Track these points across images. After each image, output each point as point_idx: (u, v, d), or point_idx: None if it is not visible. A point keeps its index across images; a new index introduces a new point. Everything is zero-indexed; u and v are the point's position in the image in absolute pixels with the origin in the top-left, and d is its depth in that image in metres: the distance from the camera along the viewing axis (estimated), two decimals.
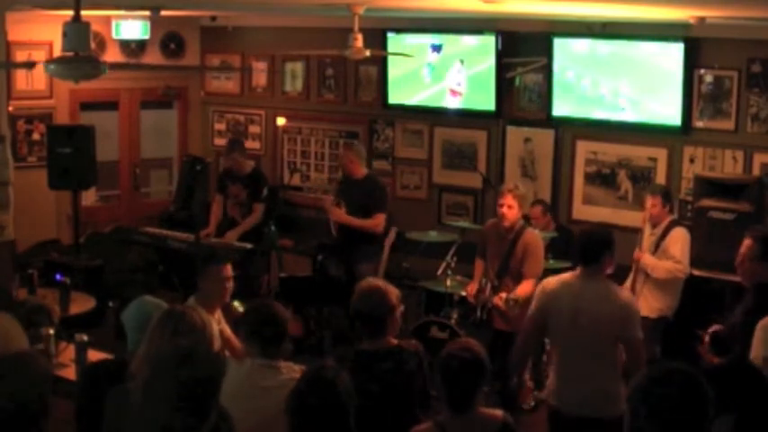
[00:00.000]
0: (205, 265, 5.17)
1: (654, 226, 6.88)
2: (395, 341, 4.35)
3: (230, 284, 5.18)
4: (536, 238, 6.51)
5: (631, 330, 4.72)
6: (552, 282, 4.95)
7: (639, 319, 4.81)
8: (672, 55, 7.50)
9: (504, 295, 6.22)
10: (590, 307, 4.75)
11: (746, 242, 4.84)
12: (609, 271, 4.87)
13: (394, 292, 4.30)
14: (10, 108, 8.12)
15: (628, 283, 7.04)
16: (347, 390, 3.17)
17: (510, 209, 6.35)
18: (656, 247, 6.79)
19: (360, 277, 7.54)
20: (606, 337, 4.74)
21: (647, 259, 6.77)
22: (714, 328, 4.93)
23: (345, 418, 3.15)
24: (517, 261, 6.41)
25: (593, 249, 4.81)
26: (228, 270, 5.18)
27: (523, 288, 6.30)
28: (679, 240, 6.74)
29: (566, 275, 4.97)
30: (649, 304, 6.84)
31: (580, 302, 4.77)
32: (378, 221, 7.63)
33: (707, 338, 4.88)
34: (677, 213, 7.48)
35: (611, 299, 4.76)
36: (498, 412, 3.68)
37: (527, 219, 6.92)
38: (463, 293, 6.88)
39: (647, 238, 6.92)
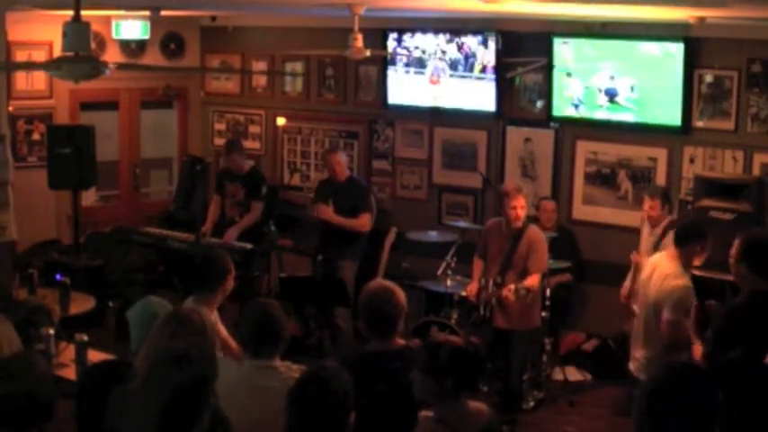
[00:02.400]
0: (225, 266, 5.10)
1: (653, 223, 6.90)
2: (402, 341, 4.37)
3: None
4: (540, 234, 6.59)
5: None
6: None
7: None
8: (672, 55, 7.50)
9: (512, 286, 6.23)
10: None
11: (736, 242, 4.90)
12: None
13: (402, 294, 4.32)
14: (10, 108, 8.13)
15: (627, 283, 7.03)
16: (344, 389, 3.17)
17: (523, 209, 6.45)
18: (656, 249, 6.79)
19: (342, 274, 7.67)
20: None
21: (646, 262, 6.78)
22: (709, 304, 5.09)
23: (342, 417, 3.15)
24: (521, 257, 6.44)
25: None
26: None
27: (531, 281, 6.34)
28: None
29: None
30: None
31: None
32: (364, 221, 7.84)
33: (692, 314, 5.00)
34: (677, 213, 7.49)
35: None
36: (483, 405, 3.70)
37: (529, 218, 6.93)
38: (463, 293, 6.88)
39: (646, 238, 6.93)
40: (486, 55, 8.43)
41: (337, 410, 3.15)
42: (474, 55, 8.52)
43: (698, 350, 4.87)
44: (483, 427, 3.58)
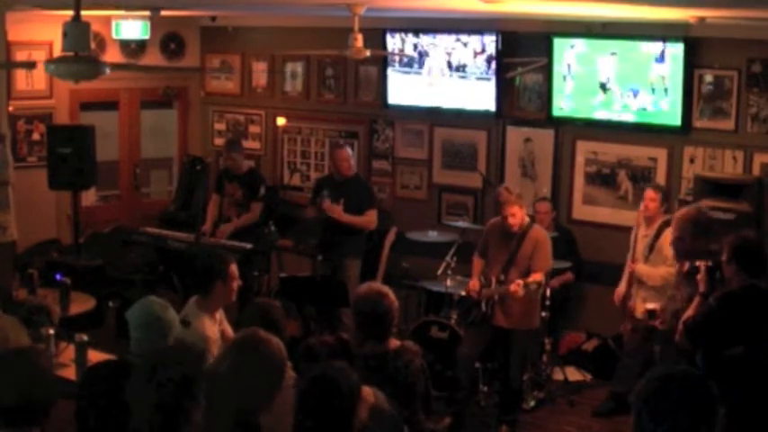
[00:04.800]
0: (225, 266, 5.11)
1: (648, 223, 6.87)
2: (397, 341, 4.39)
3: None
4: (544, 234, 6.61)
5: None
6: None
7: None
8: (672, 55, 7.50)
9: (521, 282, 6.24)
10: None
11: (724, 245, 4.98)
12: None
13: (393, 295, 4.37)
14: (10, 108, 8.12)
15: (621, 288, 7.01)
16: (351, 389, 3.18)
17: (515, 217, 6.47)
18: (651, 249, 6.78)
19: (346, 273, 7.67)
20: None
21: (642, 269, 6.76)
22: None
23: (350, 416, 3.16)
24: (525, 257, 6.46)
25: None
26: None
27: (536, 277, 6.34)
28: None
29: None
30: (651, 306, 6.81)
31: None
32: (372, 218, 7.91)
33: (703, 266, 5.01)
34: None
35: None
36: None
37: (532, 218, 6.94)
38: (463, 293, 6.88)
39: (641, 240, 6.90)
40: (486, 55, 8.43)
41: (345, 409, 3.16)
42: (474, 55, 8.52)
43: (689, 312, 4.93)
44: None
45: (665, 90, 7.58)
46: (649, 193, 6.92)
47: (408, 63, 8.94)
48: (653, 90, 7.66)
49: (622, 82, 7.79)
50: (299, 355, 4.09)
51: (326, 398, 3.14)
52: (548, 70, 8.17)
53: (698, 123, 7.60)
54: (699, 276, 5.11)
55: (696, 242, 5.30)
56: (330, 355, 3.92)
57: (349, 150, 8.27)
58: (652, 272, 6.71)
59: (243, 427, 3.15)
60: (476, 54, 8.51)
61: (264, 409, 3.29)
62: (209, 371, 3.32)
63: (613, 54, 7.85)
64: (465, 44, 8.56)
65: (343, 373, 3.23)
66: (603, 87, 7.95)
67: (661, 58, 7.57)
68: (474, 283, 6.65)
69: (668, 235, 6.76)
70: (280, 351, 3.44)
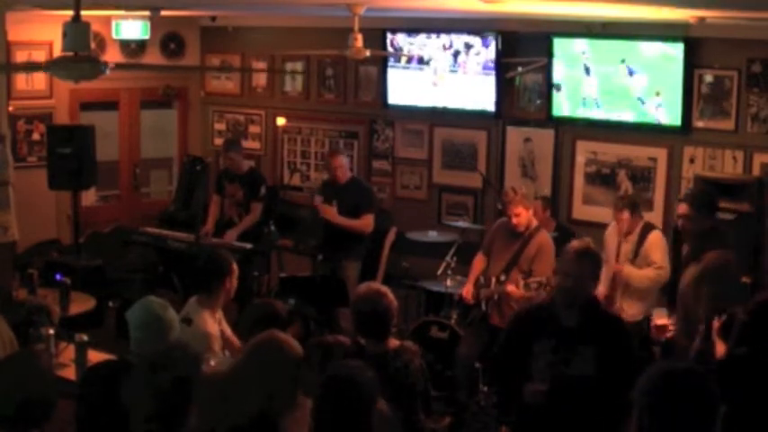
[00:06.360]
0: (228, 264, 5.17)
1: (626, 234, 6.70)
2: (397, 341, 4.40)
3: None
4: (548, 240, 6.63)
5: None
6: None
7: None
8: (672, 55, 7.50)
9: (521, 281, 6.24)
10: None
11: None
12: None
13: (392, 295, 4.37)
14: (10, 108, 8.12)
15: (601, 288, 6.90)
16: (369, 386, 3.19)
17: (519, 216, 6.49)
18: (635, 254, 6.67)
19: (345, 274, 7.66)
20: None
21: (629, 271, 6.61)
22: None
23: (366, 415, 3.16)
24: (528, 259, 6.47)
25: None
26: None
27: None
28: (659, 245, 6.61)
29: None
30: (632, 311, 6.67)
31: None
32: (367, 222, 7.83)
33: (717, 324, 4.91)
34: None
35: None
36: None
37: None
38: (461, 294, 6.88)
39: (624, 245, 6.73)
40: (486, 55, 8.44)
41: (364, 407, 3.17)
42: (474, 55, 8.52)
43: (720, 348, 4.79)
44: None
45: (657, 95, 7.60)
46: (616, 215, 6.72)
47: (408, 63, 8.93)
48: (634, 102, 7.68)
49: (622, 81, 7.80)
50: (313, 353, 4.06)
51: (346, 396, 3.15)
52: (548, 70, 8.17)
53: (698, 123, 7.60)
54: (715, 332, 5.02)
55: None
56: (346, 356, 3.93)
57: (343, 157, 8.12)
58: (640, 274, 6.57)
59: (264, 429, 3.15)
60: (476, 54, 8.51)
61: (288, 410, 3.28)
62: (225, 373, 3.34)
63: (613, 54, 7.86)
64: (465, 44, 8.55)
65: (361, 370, 3.24)
66: (557, 87, 8.03)
67: (630, 73, 7.64)
68: (468, 290, 6.66)
69: (652, 240, 6.64)
70: (299, 352, 3.44)
